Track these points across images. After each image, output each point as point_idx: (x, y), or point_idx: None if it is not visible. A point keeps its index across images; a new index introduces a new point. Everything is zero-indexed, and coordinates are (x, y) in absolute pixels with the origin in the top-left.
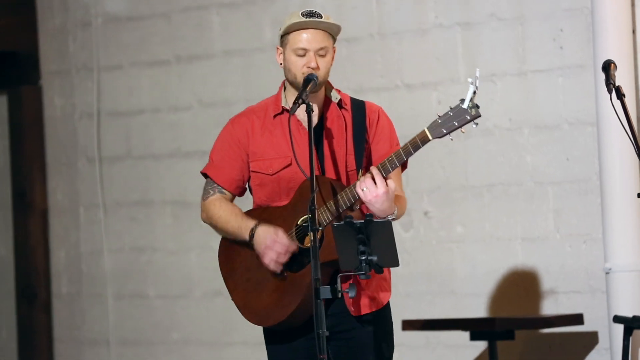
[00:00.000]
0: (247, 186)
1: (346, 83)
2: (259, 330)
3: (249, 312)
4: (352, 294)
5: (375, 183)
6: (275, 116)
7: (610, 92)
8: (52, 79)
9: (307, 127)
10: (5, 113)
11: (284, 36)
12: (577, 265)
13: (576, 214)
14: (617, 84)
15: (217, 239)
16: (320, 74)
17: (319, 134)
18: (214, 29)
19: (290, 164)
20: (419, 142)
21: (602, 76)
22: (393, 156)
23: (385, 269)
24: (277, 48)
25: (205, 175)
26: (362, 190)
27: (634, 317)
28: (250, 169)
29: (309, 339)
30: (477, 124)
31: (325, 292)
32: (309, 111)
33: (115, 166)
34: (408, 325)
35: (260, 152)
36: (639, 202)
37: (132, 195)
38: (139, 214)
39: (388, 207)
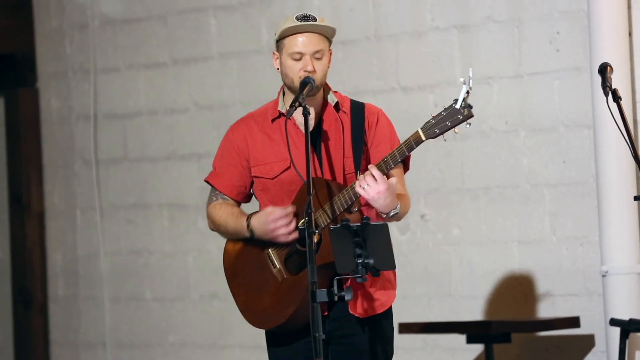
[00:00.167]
0: (251, 192)
1: (342, 85)
2: (255, 333)
3: (250, 314)
4: (348, 297)
5: (375, 180)
6: (273, 120)
7: (606, 94)
8: (49, 81)
9: (304, 130)
10: (2, 115)
11: (279, 41)
12: (574, 268)
13: (573, 217)
14: (613, 87)
15: (213, 241)
16: (317, 77)
17: (316, 137)
18: (210, 31)
19: (289, 167)
20: (413, 143)
21: (599, 79)
22: (388, 157)
23: (391, 273)
24: (274, 53)
25: (208, 183)
26: (364, 188)
27: (631, 320)
28: (252, 174)
29: (309, 341)
30: (469, 124)
31: (322, 295)
32: (305, 114)
33: (111, 169)
34: (405, 328)
35: (261, 157)
36: (635, 205)
37: (129, 198)
38: (136, 217)
39: (391, 202)
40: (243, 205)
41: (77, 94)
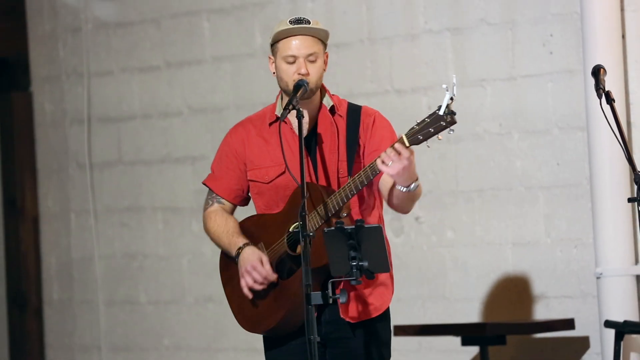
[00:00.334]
0: (249, 196)
1: (336, 88)
2: (250, 336)
3: (243, 318)
4: (343, 299)
5: (399, 155)
6: (270, 124)
7: (600, 96)
8: (43, 84)
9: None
10: None
11: (273, 45)
12: (568, 270)
13: (567, 219)
14: (606, 89)
15: (208, 244)
16: (312, 79)
17: (311, 140)
18: (204, 34)
19: (284, 172)
20: None
21: (592, 81)
22: (367, 168)
23: (387, 277)
24: (269, 57)
25: (206, 186)
26: (388, 165)
27: (625, 322)
28: (248, 178)
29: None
30: (452, 130)
31: (317, 298)
32: (299, 117)
33: (106, 172)
34: (400, 330)
35: (257, 161)
36: (629, 207)
37: (123, 201)
38: (130, 220)
39: (413, 173)
40: (241, 209)
41: (70, 97)
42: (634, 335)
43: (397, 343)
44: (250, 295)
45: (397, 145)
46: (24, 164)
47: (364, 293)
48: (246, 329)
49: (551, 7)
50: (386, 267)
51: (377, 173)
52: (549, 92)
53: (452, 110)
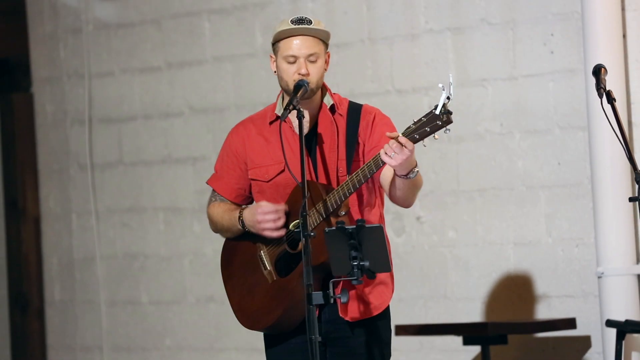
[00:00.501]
0: (250, 195)
1: (337, 88)
2: (251, 336)
3: (242, 315)
4: (344, 299)
5: (402, 147)
6: (271, 123)
7: (600, 96)
8: (43, 85)
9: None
10: None
11: (275, 44)
12: (570, 269)
13: (568, 218)
14: (607, 89)
15: (209, 244)
16: (312, 79)
17: (311, 140)
18: (204, 35)
19: (284, 170)
20: None
21: (593, 80)
22: (371, 161)
23: (387, 276)
24: (270, 56)
25: (209, 185)
26: (391, 156)
27: (627, 321)
28: (249, 176)
29: (306, 341)
30: (449, 130)
31: (318, 297)
32: (299, 117)
33: (107, 173)
34: (401, 330)
35: (257, 160)
36: (630, 206)
37: (124, 202)
38: (131, 221)
39: (413, 160)
40: None
41: (71, 98)
42: (636, 335)
43: (399, 343)
44: (283, 234)
45: (401, 139)
46: (25, 165)
47: (363, 292)
48: (246, 327)
49: (552, 6)
50: (387, 266)
51: (380, 166)
52: (550, 91)
53: (448, 110)
